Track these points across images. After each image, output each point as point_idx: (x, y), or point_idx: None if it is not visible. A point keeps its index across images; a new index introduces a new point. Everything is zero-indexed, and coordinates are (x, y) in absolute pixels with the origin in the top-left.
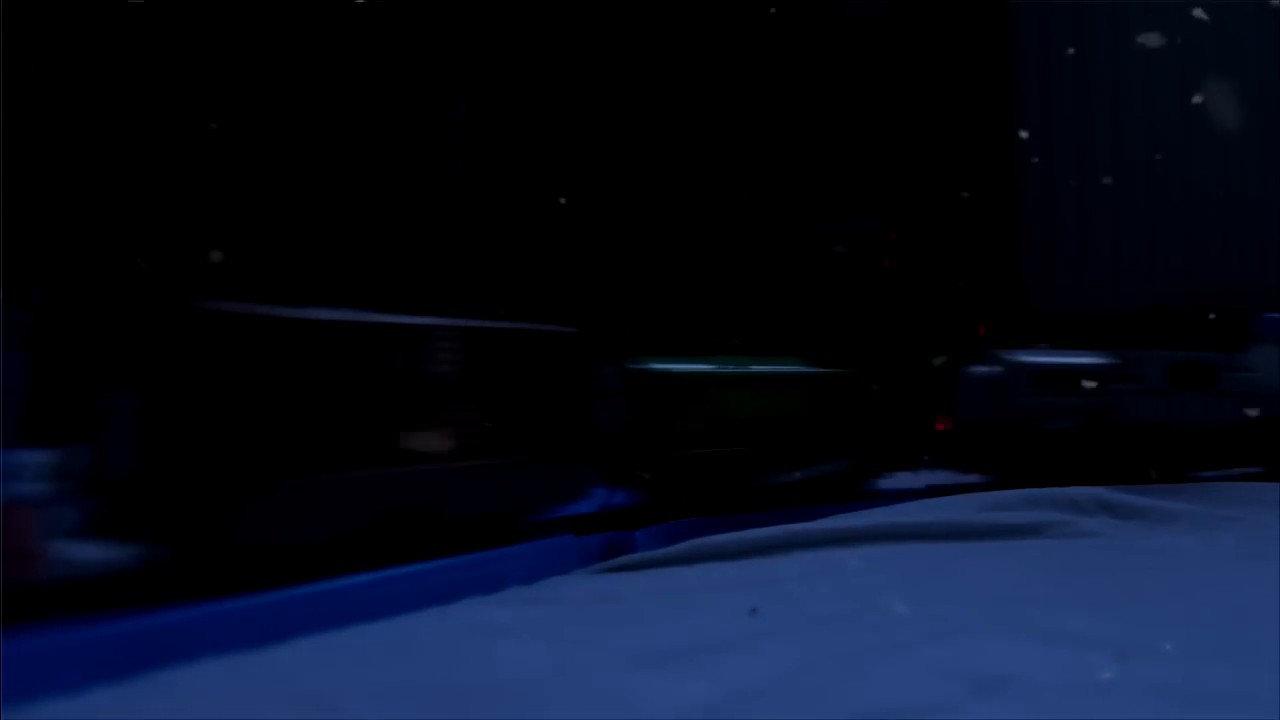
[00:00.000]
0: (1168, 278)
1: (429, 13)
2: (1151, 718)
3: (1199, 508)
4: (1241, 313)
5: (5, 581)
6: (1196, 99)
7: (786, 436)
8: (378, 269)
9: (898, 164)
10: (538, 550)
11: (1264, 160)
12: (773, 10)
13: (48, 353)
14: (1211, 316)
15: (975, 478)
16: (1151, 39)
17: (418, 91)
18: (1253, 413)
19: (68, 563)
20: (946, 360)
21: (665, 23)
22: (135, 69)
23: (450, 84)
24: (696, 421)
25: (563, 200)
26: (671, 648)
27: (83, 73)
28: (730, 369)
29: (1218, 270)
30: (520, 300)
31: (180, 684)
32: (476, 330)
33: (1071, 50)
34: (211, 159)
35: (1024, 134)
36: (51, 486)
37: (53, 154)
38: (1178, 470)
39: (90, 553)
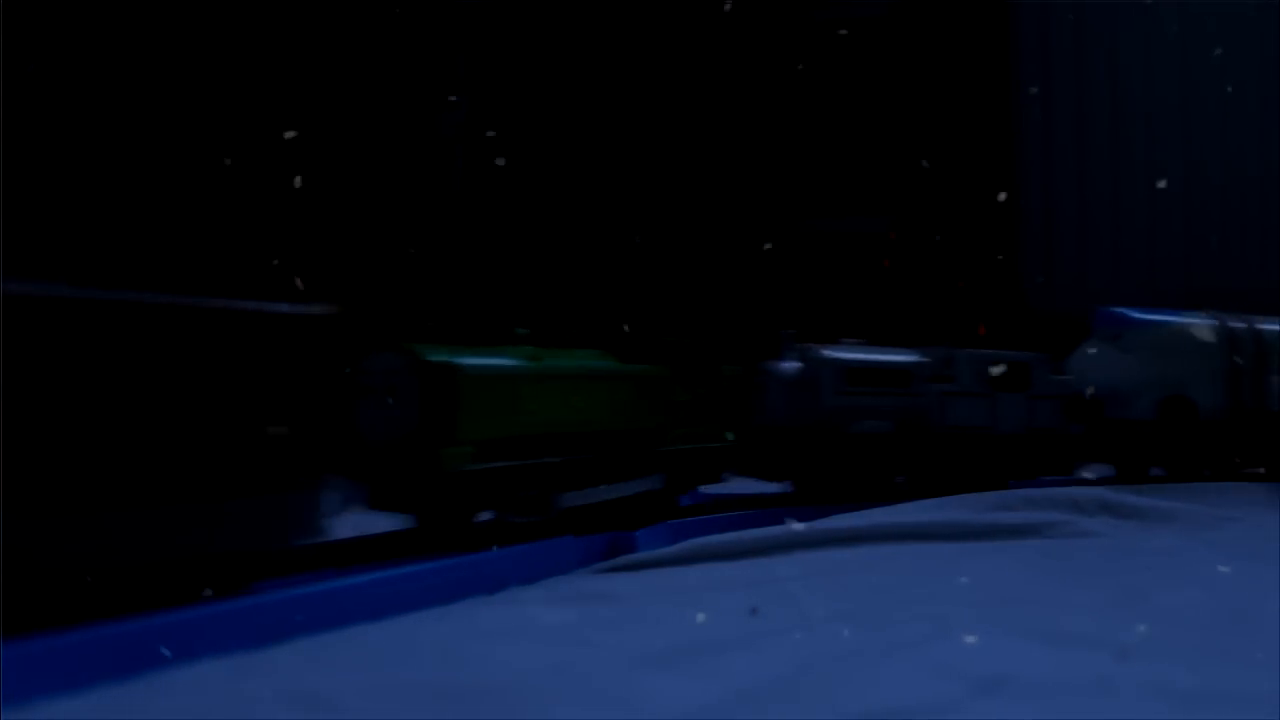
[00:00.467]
0: (1168, 278)
1: (429, 13)
2: (1151, 718)
3: (1199, 508)
4: (1083, 306)
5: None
6: (1197, 100)
7: (599, 446)
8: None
9: (898, 164)
10: (538, 550)
11: (1264, 160)
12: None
13: None
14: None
15: (777, 486)
16: None
17: (418, 91)
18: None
19: None
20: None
21: (659, 24)
22: (132, 70)
23: (450, 84)
24: (489, 427)
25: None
26: (672, 648)
27: (83, 71)
28: (534, 364)
29: (1218, 270)
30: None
31: (180, 684)
32: (162, 307)
33: (1071, 51)
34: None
35: (1024, 134)
36: None
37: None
38: (997, 478)
39: None
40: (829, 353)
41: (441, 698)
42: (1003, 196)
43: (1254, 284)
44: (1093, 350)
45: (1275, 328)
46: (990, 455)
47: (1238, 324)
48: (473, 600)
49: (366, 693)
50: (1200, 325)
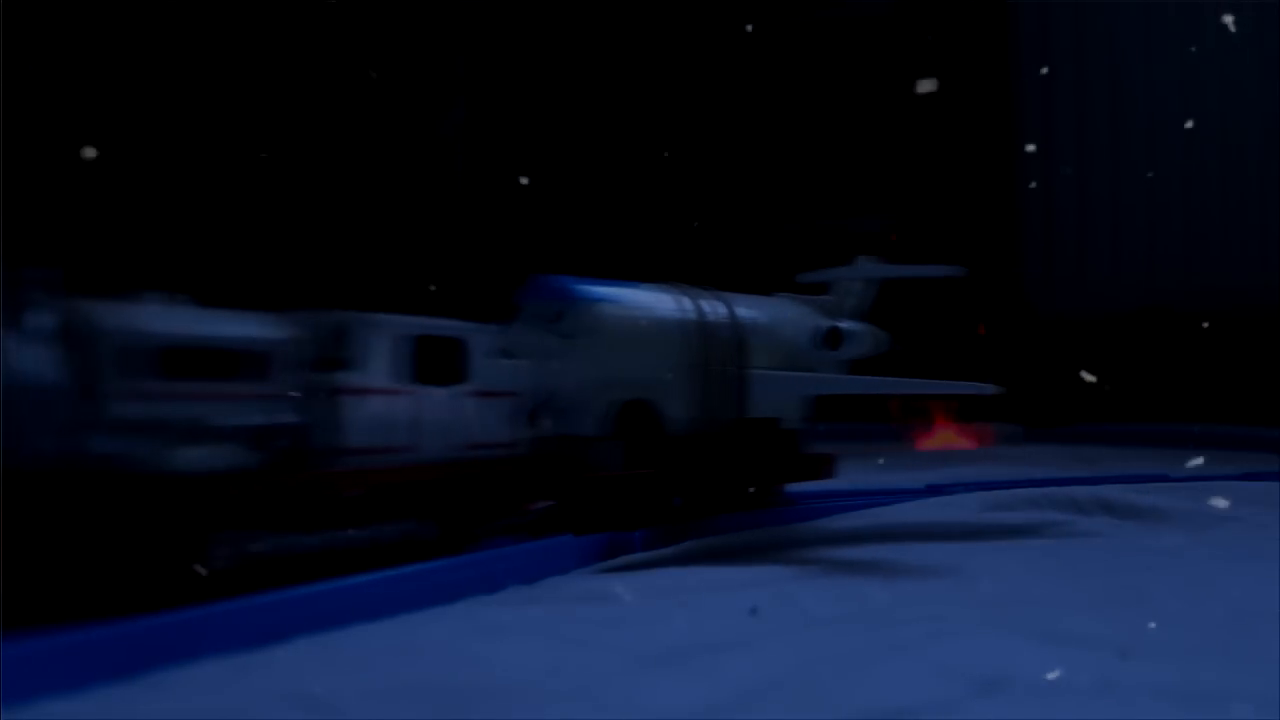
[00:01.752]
0: (1168, 278)
1: (429, 13)
2: (1151, 718)
3: (1201, 507)
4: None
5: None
6: (1197, 100)
7: None
8: None
9: (898, 163)
10: (538, 550)
11: (1264, 160)
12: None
13: None
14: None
15: None
16: None
17: (418, 91)
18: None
19: None
20: None
21: (659, 23)
22: (137, 70)
23: (450, 84)
24: None
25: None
26: (671, 648)
27: (89, 71)
28: None
29: (1218, 270)
30: None
31: (180, 684)
32: None
33: (1071, 51)
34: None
35: (1024, 134)
36: None
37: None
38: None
39: None
40: (117, 318)
41: (441, 698)
42: (996, 197)
43: (1254, 284)
44: (525, 334)
45: (750, 314)
46: (415, 496)
47: (711, 303)
48: (473, 600)
49: (366, 693)
50: (666, 303)
